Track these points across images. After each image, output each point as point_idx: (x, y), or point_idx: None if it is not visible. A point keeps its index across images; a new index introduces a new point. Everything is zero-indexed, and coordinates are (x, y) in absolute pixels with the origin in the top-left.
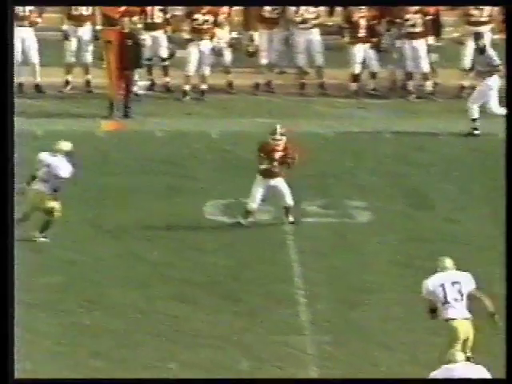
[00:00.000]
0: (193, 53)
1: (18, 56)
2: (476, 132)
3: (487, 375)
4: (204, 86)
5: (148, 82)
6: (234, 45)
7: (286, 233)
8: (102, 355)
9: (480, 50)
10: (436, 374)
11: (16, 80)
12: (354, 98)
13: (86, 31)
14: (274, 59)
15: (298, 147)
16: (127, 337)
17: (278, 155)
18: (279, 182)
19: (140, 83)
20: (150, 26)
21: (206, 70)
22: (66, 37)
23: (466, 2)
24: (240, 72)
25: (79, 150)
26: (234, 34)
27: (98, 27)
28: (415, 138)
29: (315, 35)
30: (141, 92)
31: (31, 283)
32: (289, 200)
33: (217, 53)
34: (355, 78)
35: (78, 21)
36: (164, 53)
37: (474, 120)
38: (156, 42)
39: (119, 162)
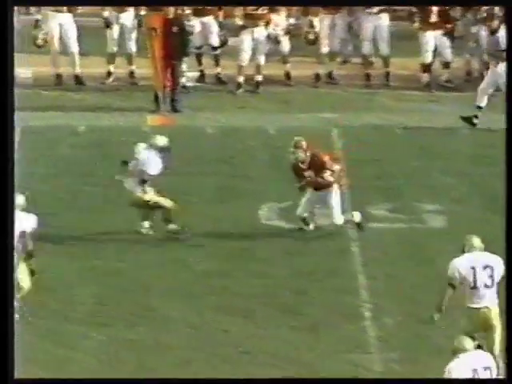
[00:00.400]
0: (246, 40)
1: (56, 44)
2: (475, 121)
3: (497, 365)
4: (259, 78)
5: (198, 73)
6: (291, 31)
7: (350, 239)
8: (146, 372)
9: (491, 31)
10: (452, 366)
11: (54, 71)
12: (424, 90)
13: (128, 17)
14: (336, 47)
15: (331, 156)
16: (173, 352)
17: (307, 174)
18: (328, 196)
19: (189, 74)
20: (200, 12)
21: (261, 60)
22: (108, 24)
23: (466, 1)
24: (298, 61)
25: (123, 148)
26: (292, 20)
27: (142, 13)
28: (492, 134)
29: (384, 20)
30: (190, 84)
31: (68, 294)
32: (337, 217)
33: (273, 40)
34: (426, 68)
35: (121, 6)
36: (215, 41)
37: (479, 108)
38: (206, 29)
39: None
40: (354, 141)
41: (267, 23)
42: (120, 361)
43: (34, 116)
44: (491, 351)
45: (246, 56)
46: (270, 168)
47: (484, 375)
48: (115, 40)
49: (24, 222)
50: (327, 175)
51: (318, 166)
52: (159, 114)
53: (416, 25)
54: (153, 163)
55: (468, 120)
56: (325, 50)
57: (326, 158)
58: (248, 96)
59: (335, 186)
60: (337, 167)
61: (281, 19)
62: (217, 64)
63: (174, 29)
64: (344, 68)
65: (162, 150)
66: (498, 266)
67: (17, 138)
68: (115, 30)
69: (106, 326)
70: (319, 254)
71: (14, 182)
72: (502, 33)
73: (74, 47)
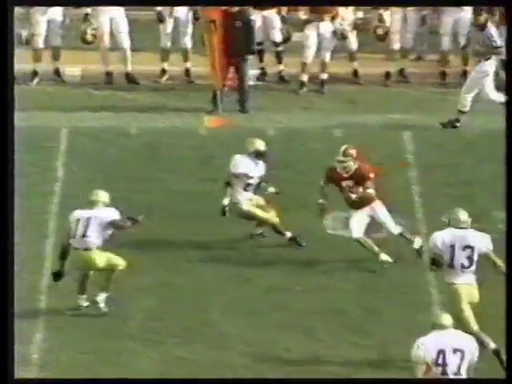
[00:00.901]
0: (311, 36)
1: (106, 40)
2: (457, 124)
3: (475, 345)
4: (324, 76)
5: (258, 71)
6: (359, 26)
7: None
8: None
9: (480, 26)
10: (424, 341)
11: (104, 68)
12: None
13: (183, 10)
14: (408, 43)
15: (374, 170)
16: (233, 372)
17: (344, 184)
18: (373, 211)
19: (249, 72)
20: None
21: (327, 57)
22: (161, 18)
23: (466, 2)
24: (367, 58)
25: (177, 151)
26: (360, 14)
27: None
28: None
29: (466, 13)
30: (250, 83)
31: (123, 309)
32: (393, 228)
33: (339, 36)
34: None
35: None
36: (277, 36)
37: (461, 112)
38: (268, 24)
39: (225, 165)
40: (426, 144)
41: (333, 17)
42: (172, 381)
43: (82, 117)
44: (468, 329)
45: (310, 53)
46: None
47: (451, 358)
48: (169, 35)
49: (111, 213)
50: (369, 189)
51: (361, 178)
52: (217, 115)
53: (497, 18)
54: (255, 170)
55: (449, 124)
56: (396, 46)
57: (372, 173)
58: (312, 96)
59: (377, 202)
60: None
61: (348, 13)
62: (279, 61)
63: (237, 23)
64: (417, 65)
65: (259, 155)
66: (481, 245)
67: (64, 140)
68: (169, 24)
69: (159, 343)
70: (389, 267)
71: (14, 182)
72: (491, 30)
73: (126, 43)
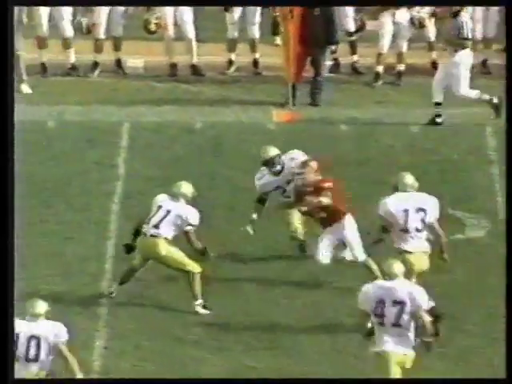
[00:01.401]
0: (387, 24)
1: (170, 30)
2: (438, 120)
3: (425, 297)
4: (401, 67)
5: (331, 62)
6: (438, 14)
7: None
8: None
9: (453, 14)
10: (367, 290)
11: (168, 60)
12: None
13: None
14: (490, 32)
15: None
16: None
17: (308, 200)
18: (341, 229)
19: (326, 64)
20: None
21: (404, 47)
22: (227, 7)
23: (467, 2)
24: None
25: (245, 147)
26: None
27: None
28: None
29: None
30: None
31: (183, 316)
32: (358, 254)
33: (417, 24)
34: None
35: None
36: (350, 25)
37: (437, 104)
38: (341, 12)
39: None
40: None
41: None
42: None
43: (144, 111)
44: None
45: (385, 42)
46: (413, 172)
47: (390, 309)
48: (236, 24)
49: (192, 216)
50: (324, 200)
51: (319, 190)
52: (286, 108)
53: None
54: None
55: (432, 122)
56: (478, 35)
57: (328, 184)
58: (388, 88)
59: (348, 217)
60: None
61: None
62: (353, 52)
63: (316, 11)
64: (501, 56)
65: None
66: (433, 208)
67: (125, 135)
68: (236, 13)
69: (225, 351)
70: (470, 269)
71: (14, 182)
72: (463, 18)
73: (191, 33)
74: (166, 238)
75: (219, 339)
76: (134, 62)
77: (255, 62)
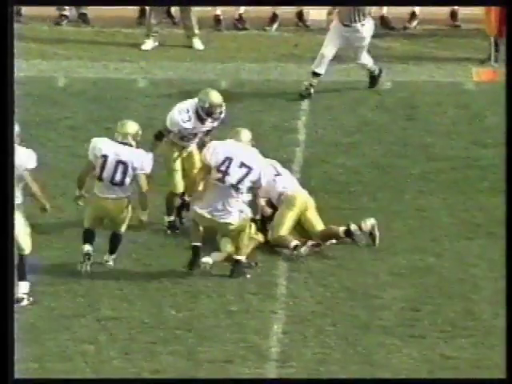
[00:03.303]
0: None
1: None
2: (310, 92)
3: (263, 172)
4: None
5: None
6: None
7: None
8: None
9: None
10: (217, 145)
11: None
12: None
13: None
14: None
15: None
16: (500, 372)
17: None
18: None
19: None
20: None
21: None
22: None
23: (467, 2)
24: None
25: (441, 110)
26: None
27: None
28: None
29: None
30: None
31: (371, 297)
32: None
33: None
34: None
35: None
36: None
37: (315, 75)
38: None
39: (493, 125)
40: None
41: None
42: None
43: (328, 68)
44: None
45: None
46: None
47: (235, 169)
48: None
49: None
50: None
51: None
52: (488, 66)
53: None
54: None
55: (305, 95)
56: None
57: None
58: None
59: None
60: None
61: None
62: None
63: None
64: None
65: None
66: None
67: (306, 97)
68: None
69: (419, 339)
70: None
71: (13, 181)
72: None
73: None
74: None
75: (412, 326)
76: (317, 14)
77: (453, 14)
